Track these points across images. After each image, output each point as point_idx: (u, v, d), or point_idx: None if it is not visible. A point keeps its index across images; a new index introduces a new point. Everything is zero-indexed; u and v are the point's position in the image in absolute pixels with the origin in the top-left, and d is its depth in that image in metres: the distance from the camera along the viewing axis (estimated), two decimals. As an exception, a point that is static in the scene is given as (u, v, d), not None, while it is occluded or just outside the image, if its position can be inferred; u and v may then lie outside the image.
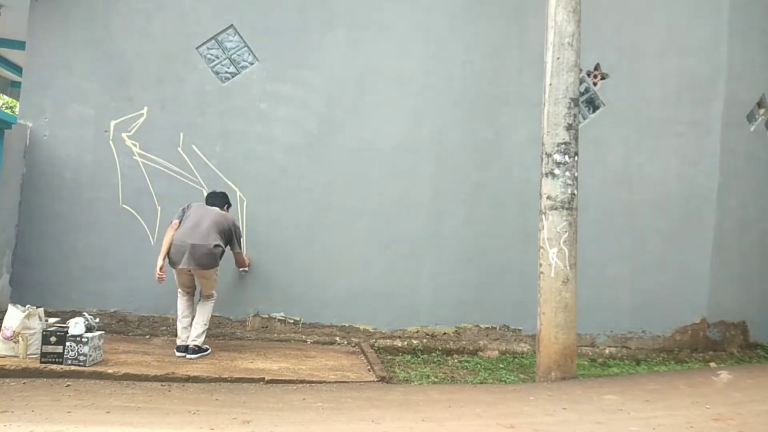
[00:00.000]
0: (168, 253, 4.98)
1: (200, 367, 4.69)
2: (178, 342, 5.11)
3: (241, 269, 5.75)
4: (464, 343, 6.06)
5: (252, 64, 5.95)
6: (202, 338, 5.11)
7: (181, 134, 5.82)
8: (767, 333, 6.63)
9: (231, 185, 5.84)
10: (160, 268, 4.98)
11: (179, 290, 5.18)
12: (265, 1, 5.95)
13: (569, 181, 4.96)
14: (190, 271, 4.99)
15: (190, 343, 5.03)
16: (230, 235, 5.20)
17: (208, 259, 4.96)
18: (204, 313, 5.17)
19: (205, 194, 5.50)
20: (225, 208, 5.39)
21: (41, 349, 4.41)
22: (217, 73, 5.92)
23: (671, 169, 6.33)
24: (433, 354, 5.90)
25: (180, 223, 5.11)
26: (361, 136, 6.01)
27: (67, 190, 5.74)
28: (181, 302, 5.20)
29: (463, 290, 6.07)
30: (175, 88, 5.84)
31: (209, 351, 5.19)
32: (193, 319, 5.16)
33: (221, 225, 5.10)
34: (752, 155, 6.56)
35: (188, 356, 4.99)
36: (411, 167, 6.06)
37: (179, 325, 5.16)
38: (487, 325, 6.11)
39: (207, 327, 5.18)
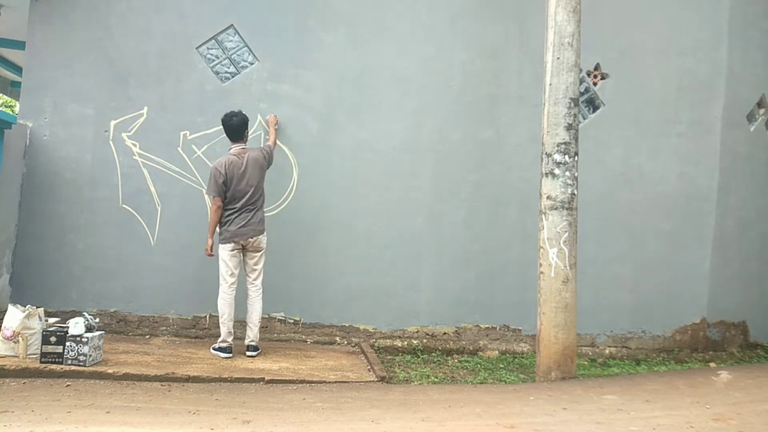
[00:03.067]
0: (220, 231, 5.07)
1: (200, 367, 4.69)
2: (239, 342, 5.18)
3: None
4: (464, 343, 6.06)
5: (252, 64, 5.95)
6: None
7: (182, 134, 5.82)
8: (767, 333, 6.63)
9: (231, 185, 5.84)
10: (210, 247, 5.10)
11: (229, 280, 5.12)
12: (265, 1, 5.95)
13: (569, 181, 4.96)
14: (245, 244, 5.07)
15: (251, 341, 5.20)
16: (267, 167, 5.30)
17: (263, 226, 5.16)
18: (260, 304, 5.27)
19: (223, 127, 5.27)
20: (245, 135, 5.29)
21: (41, 349, 4.41)
22: (217, 73, 5.92)
23: (671, 169, 6.33)
24: (433, 354, 5.91)
25: (225, 199, 5.06)
26: (361, 136, 6.02)
27: (67, 190, 5.74)
28: (231, 294, 5.15)
29: (463, 290, 6.07)
30: (175, 88, 5.84)
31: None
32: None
33: (262, 170, 5.22)
34: (752, 155, 6.56)
35: (248, 354, 5.17)
36: (411, 167, 6.06)
37: (227, 327, 5.11)
38: (487, 325, 6.11)
39: None
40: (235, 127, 5.21)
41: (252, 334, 5.20)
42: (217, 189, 5.06)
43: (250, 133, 5.84)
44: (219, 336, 5.17)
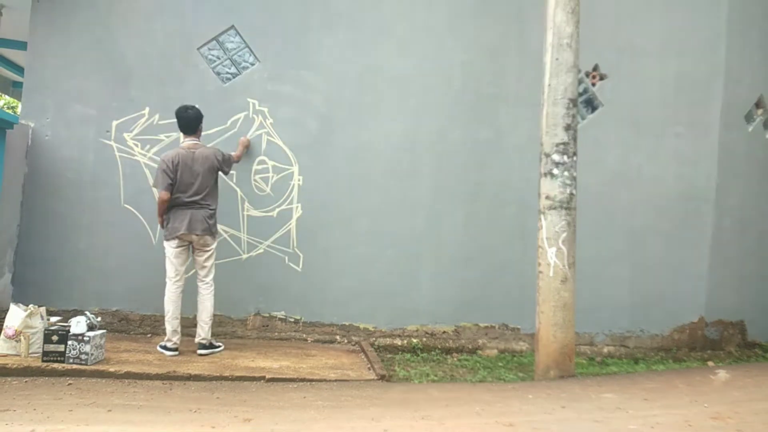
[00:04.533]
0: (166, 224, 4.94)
1: (201, 365, 4.71)
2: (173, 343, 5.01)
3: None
4: (463, 341, 6.09)
5: (253, 64, 5.98)
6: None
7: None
8: (765, 332, 6.65)
9: (232, 185, 5.86)
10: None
11: (173, 277, 5.01)
12: (265, 2, 5.98)
13: (568, 181, 4.98)
14: (190, 241, 4.95)
15: (202, 340, 5.07)
16: (219, 168, 5.12)
17: (208, 224, 4.97)
18: (210, 302, 5.11)
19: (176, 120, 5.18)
20: (199, 130, 5.19)
21: (43, 348, 4.43)
22: (218, 73, 5.95)
23: (669, 169, 6.35)
24: (433, 352, 5.93)
25: (172, 190, 4.92)
26: (361, 136, 6.04)
27: (68, 189, 5.76)
28: (175, 292, 5.01)
29: (462, 289, 6.09)
30: (176, 88, 5.86)
31: (221, 347, 5.22)
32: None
33: (213, 169, 5.06)
34: (750, 155, 6.58)
35: (200, 352, 5.03)
36: (411, 167, 6.09)
37: (171, 326, 4.98)
38: (486, 324, 6.14)
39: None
40: (191, 119, 5.10)
41: (203, 333, 5.07)
42: (164, 182, 4.92)
43: (250, 134, 5.89)
44: (219, 335, 5.18)
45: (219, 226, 5.64)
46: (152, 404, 3.85)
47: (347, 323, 6.01)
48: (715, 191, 6.37)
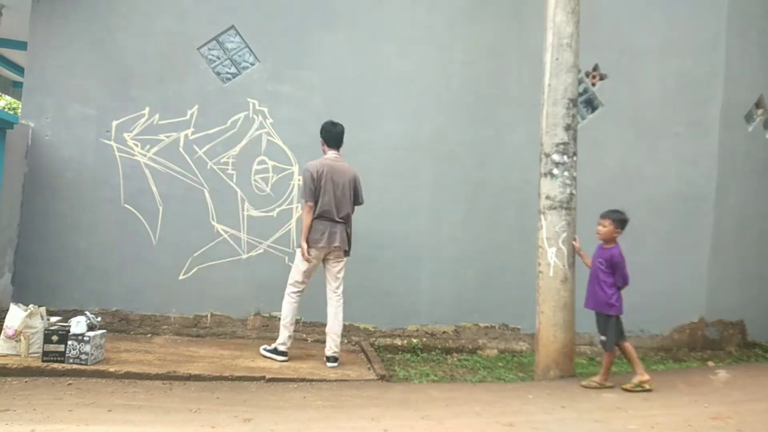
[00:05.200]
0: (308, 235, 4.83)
1: (201, 365, 4.71)
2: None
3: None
4: (463, 341, 6.09)
5: (253, 64, 5.98)
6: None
7: (183, 134, 5.85)
8: (765, 332, 6.65)
9: (232, 185, 5.87)
10: (307, 251, 4.85)
11: (299, 284, 4.98)
12: (265, 2, 5.98)
13: (568, 181, 4.99)
14: (330, 253, 4.89)
15: (333, 352, 4.99)
16: (359, 189, 5.07)
17: (348, 239, 4.96)
18: (341, 314, 5.03)
19: (326, 129, 5.07)
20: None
21: (43, 348, 4.43)
22: (218, 73, 5.95)
23: (669, 169, 6.35)
24: (433, 353, 5.93)
25: (316, 202, 4.83)
26: (361, 136, 6.03)
27: (68, 189, 5.76)
28: (294, 302, 4.97)
29: (462, 289, 6.09)
30: (176, 88, 5.86)
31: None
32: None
33: (356, 181, 5.05)
34: (750, 155, 6.59)
35: (329, 365, 4.96)
36: (411, 167, 6.09)
37: (288, 332, 4.96)
38: (486, 324, 6.14)
39: None
40: (339, 130, 5.11)
41: (335, 346, 5.02)
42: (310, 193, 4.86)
43: (250, 134, 5.89)
44: (220, 335, 5.15)
45: (219, 226, 5.66)
46: (152, 404, 3.84)
47: (347, 323, 5.98)
48: (715, 191, 6.37)
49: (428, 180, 6.10)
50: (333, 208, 4.89)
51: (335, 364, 4.97)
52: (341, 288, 5.08)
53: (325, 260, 5.04)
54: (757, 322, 6.62)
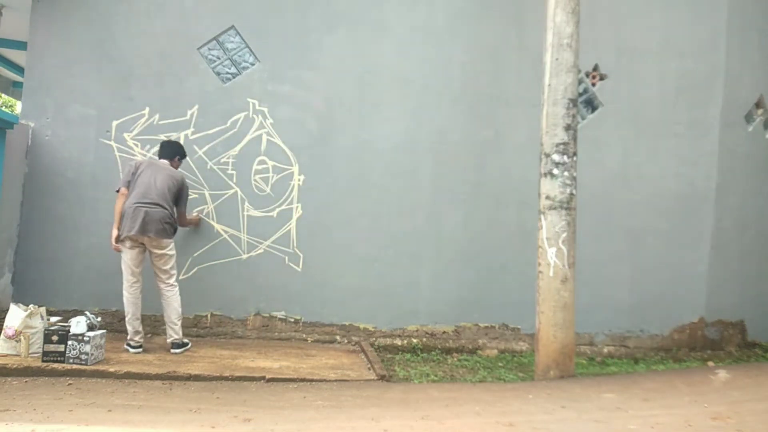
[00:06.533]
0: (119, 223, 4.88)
1: (201, 365, 4.71)
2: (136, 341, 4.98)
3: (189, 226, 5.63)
4: (463, 341, 6.09)
5: (253, 64, 5.98)
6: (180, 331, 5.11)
7: (183, 134, 5.85)
8: (765, 332, 6.65)
9: (232, 185, 5.87)
10: (116, 239, 4.90)
11: (128, 276, 4.93)
12: (265, 2, 5.98)
13: (568, 181, 4.98)
14: (142, 243, 4.89)
15: (174, 338, 5.04)
16: (178, 194, 5.12)
17: (164, 226, 4.89)
18: (175, 304, 5.04)
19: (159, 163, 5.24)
20: (176, 159, 5.32)
21: (43, 348, 4.43)
22: (218, 73, 5.95)
23: (669, 169, 6.35)
24: (433, 353, 5.93)
25: (129, 189, 4.96)
26: (361, 136, 6.04)
27: (69, 189, 5.76)
28: (132, 293, 4.94)
29: (462, 289, 6.10)
30: (176, 88, 5.86)
31: (189, 345, 5.20)
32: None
33: (173, 181, 5.06)
34: (750, 155, 6.58)
35: (173, 351, 5.00)
36: (411, 167, 6.09)
37: (132, 327, 4.94)
38: (486, 324, 6.14)
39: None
40: (172, 143, 5.39)
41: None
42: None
43: (250, 134, 5.90)
44: (220, 335, 5.16)
45: (219, 226, 5.65)
46: (152, 404, 3.85)
47: (347, 323, 6.01)
48: (715, 191, 6.37)
49: (428, 180, 6.10)
50: (148, 198, 4.90)
51: (179, 351, 5.04)
52: (172, 279, 5.07)
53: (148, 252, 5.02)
54: (757, 322, 6.62)
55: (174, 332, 5.06)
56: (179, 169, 5.40)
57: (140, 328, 4.99)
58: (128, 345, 4.98)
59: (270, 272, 5.89)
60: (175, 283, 5.10)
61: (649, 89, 6.33)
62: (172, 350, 5.02)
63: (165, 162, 5.24)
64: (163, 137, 5.79)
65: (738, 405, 4.15)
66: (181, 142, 5.77)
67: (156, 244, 4.92)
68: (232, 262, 5.85)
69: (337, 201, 6.00)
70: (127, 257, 4.92)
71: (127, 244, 4.89)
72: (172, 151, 5.33)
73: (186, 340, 5.20)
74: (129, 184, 5.00)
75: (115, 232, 4.92)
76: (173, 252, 5.08)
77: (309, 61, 6.00)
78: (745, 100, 6.56)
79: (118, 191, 5.03)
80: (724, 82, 6.37)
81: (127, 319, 4.96)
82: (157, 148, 5.48)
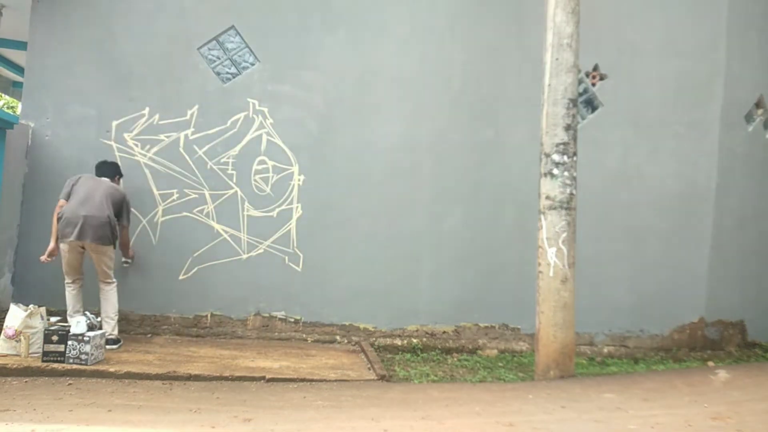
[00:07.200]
0: (57, 230, 4.92)
1: (201, 365, 4.72)
2: None
3: (123, 260, 5.65)
4: (463, 341, 6.09)
5: (253, 64, 5.98)
6: (116, 329, 5.14)
7: (183, 134, 5.85)
8: (765, 332, 6.65)
9: (232, 185, 5.87)
10: (51, 251, 4.97)
11: (67, 278, 5.05)
12: (265, 2, 5.98)
13: (568, 181, 4.98)
14: (82, 246, 4.93)
15: (109, 335, 5.02)
16: (120, 208, 5.17)
17: (103, 231, 4.92)
18: (111, 301, 5.12)
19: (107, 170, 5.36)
20: (116, 179, 5.40)
21: (43, 348, 4.44)
22: (218, 73, 5.95)
23: (669, 169, 6.35)
24: (433, 353, 5.93)
25: (69, 199, 5.02)
26: (361, 136, 6.04)
27: (68, 189, 5.76)
28: (71, 293, 5.07)
29: (462, 289, 6.10)
30: (176, 88, 5.86)
31: (122, 342, 5.20)
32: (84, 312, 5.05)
33: (114, 196, 5.11)
34: (750, 155, 6.58)
35: (108, 347, 4.93)
36: (411, 167, 6.09)
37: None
38: (486, 324, 6.14)
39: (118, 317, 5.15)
40: (110, 163, 5.43)
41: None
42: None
43: (250, 134, 5.90)
44: (220, 335, 5.15)
45: (219, 226, 5.65)
46: (152, 404, 3.85)
47: (347, 323, 6.01)
48: (715, 191, 6.37)
49: (428, 180, 6.10)
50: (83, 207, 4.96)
51: (115, 347, 5.04)
52: (110, 278, 5.16)
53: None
54: (757, 322, 6.62)
55: (110, 327, 5.09)
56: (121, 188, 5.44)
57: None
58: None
59: (270, 272, 5.89)
60: (114, 281, 5.19)
61: (649, 89, 6.33)
62: (108, 346, 4.93)
63: (106, 179, 5.30)
64: (163, 137, 5.81)
65: (738, 405, 4.15)
66: (181, 142, 5.78)
67: (94, 248, 4.97)
68: (232, 262, 5.85)
69: (337, 201, 6.00)
70: (65, 261, 5.00)
71: (66, 248, 4.95)
72: (112, 171, 5.41)
73: (119, 338, 5.20)
74: (68, 196, 5.06)
75: (52, 245, 4.98)
76: (113, 255, 5.16)
77: (309, 61, 6.00)
78: (745, 100, 6.56)
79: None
80: (724, 82, 6.38)
81: (68, 313, 5.05)
82: (98, 166, 5.43)
